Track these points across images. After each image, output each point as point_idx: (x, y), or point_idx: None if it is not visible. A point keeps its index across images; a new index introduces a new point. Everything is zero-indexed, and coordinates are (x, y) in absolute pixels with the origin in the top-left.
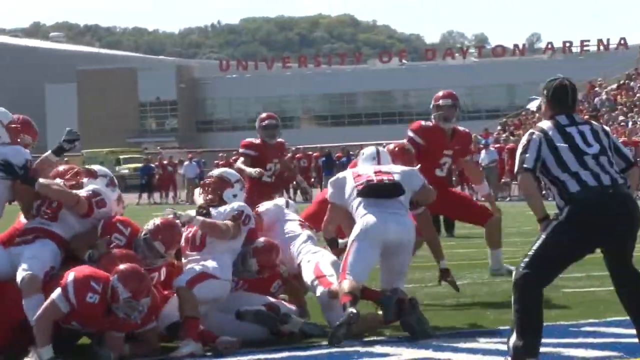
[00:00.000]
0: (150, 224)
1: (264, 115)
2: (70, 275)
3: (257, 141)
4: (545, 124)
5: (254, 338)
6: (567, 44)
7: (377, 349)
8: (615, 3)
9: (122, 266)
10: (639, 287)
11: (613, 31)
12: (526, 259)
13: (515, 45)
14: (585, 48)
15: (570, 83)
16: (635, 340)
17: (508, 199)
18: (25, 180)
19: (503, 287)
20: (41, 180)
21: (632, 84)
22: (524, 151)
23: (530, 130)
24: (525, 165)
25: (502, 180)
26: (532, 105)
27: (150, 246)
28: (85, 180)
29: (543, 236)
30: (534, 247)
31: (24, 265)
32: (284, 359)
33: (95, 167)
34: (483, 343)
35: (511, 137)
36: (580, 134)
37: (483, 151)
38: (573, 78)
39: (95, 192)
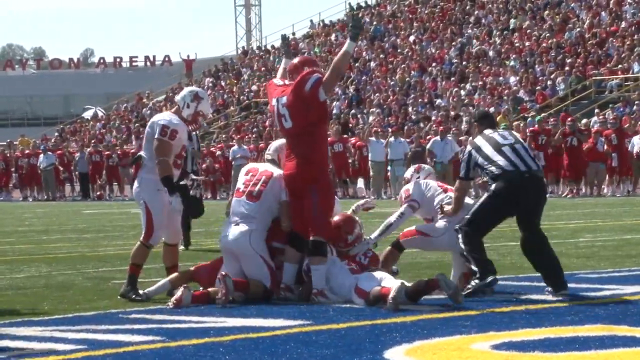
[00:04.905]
0: None
1: None
2: None
3: None
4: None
5: None
6: (118, 59)
7: None
8: (160, 26)
9: None
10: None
11: (159, 49)
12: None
13: (71, 59)
14: (134, 63)
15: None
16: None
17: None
18: None
19: None
20: None
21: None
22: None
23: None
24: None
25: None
26: (88, 114)
27: None
28: None
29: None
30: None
31: None
32: None
33: None
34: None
35: (63, 143)
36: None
37: (41, 155)
38: (124, 90)
39: None
